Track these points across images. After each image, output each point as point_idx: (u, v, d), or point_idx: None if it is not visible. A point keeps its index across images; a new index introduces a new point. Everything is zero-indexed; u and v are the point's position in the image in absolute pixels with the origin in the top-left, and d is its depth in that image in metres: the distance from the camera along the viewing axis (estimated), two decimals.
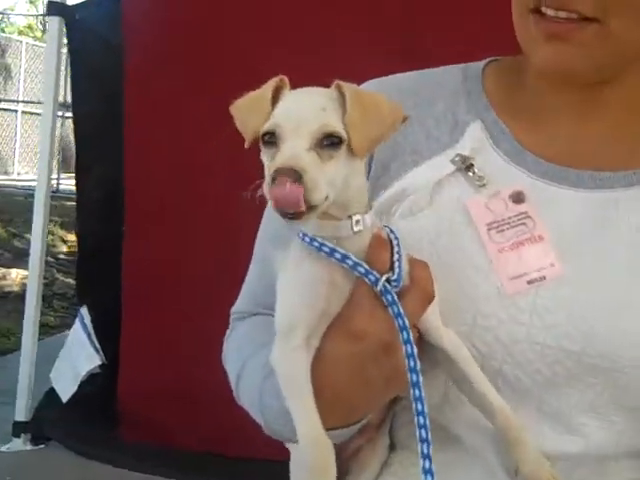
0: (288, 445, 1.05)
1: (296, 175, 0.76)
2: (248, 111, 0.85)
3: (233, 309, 1.15)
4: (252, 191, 0.81)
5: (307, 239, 0.87)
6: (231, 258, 2.02)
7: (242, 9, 2.16)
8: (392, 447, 1.02)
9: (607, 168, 0.99)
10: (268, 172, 0.79)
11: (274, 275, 0.93)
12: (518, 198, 0.97)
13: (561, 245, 0.95)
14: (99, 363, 2.66)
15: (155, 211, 2.45)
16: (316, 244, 0.86)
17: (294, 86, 0.86)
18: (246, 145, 0.84)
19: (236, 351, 1.09)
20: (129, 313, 2.57)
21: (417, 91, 1.06)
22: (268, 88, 0.84)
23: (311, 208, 0.78)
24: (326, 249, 0.85)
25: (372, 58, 1.81)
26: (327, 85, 0.84)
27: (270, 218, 1.09)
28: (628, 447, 0.96)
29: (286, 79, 0.85)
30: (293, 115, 0.81)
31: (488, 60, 1.11)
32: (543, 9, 0.93)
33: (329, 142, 0.80)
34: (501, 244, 0.96)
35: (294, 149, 0.79)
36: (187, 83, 2.26)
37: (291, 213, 0.78)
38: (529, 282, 0.94)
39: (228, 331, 1.14)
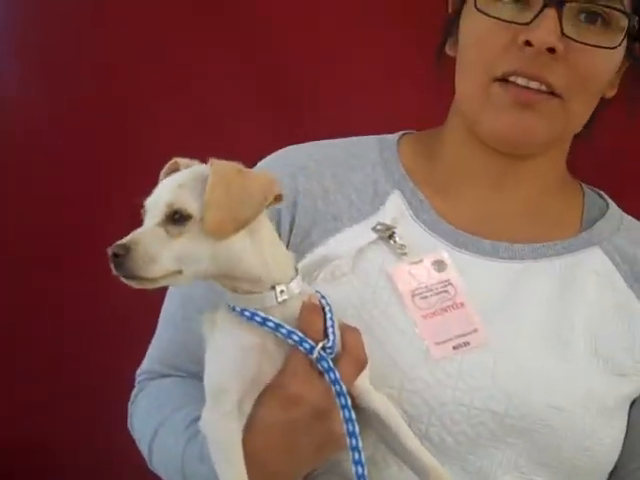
0: None
1: (123, 248, 0.79)
2: None
3: (140, 369, 1.12)
4: None
5: (237, 309, 0.86)
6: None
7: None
8: None
9: (520, 240, 1.05)
10: None
11: (190, 338, 0.91)
12: (439, 266, 1.01)
13: (480, 312, 0.99)
14: None
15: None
16: (247, 314, 0.86)
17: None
18: None
19: (147, 414, 1.05)
20: None
21: (335, 160, 1.08)
22: (161, 177, 0.87)
23: (151, 280, 0.80)
24: (258, 319, 0.85)
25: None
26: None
27: None
28: None
29: (180, 160, 0.87)
30: (155, 195, 0.84)
31: (402, 133, 1.15)
32: (512, 78, 0.97)
33: (179, 218, 0.81)
34: (425, 310, 0.98)
35: (144, 226, 0.82)
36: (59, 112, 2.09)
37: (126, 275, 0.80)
38: (454, 347, 0.97)
39: (134, 392, 1.11)
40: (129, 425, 1.09)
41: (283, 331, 0.85)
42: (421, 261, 1.01)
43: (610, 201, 1.13)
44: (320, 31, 1.62)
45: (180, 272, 0.81)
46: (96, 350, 1.69)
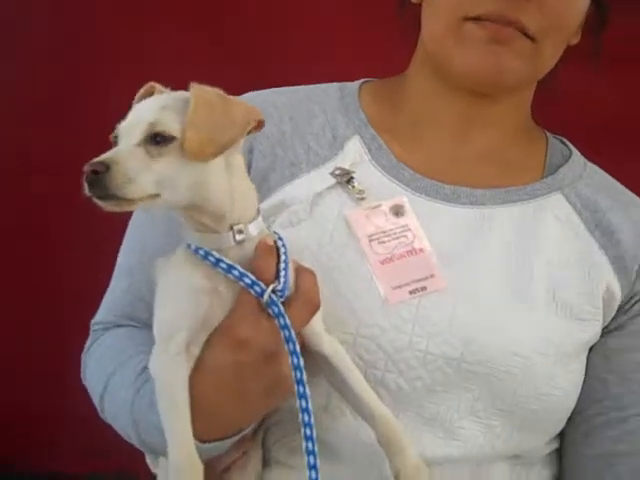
0: (153, 466, 1.02)
1: (103, 167, 0.75)
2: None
3: (94, 320, 1.10)
4: None
5: (193, 247, 0.85)
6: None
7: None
8: (266, 463, 1.00)
9: (481, 185, 1.04)
10: None
11: (144, 286, 0.90)
12: (398, 211, 1.00)
13: (440, 257, 0.98)
14: None
15: None
16: (201, 252, 0.84)
17: None
18: None
19: (99, 364, 1.04)
20: None
21: (294, 106, 1.07)
22: (136, 100, 0.84)
23: (129, 200, 0.77)
24: (212, 259, 0.84)
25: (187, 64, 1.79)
26: None
27: (140, 228, 1.06)
28: (502, 451, 1.00)
29: (157, 85, 0.85)
30: (133, 116, 0.81)
31: (363, 81, 1.13)
32: (484, 19, 0.96)
33: (161, 139, 0.78)
34: (383, 255, 0.97)
35: (121, 145, 0.79)
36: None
37: (100, 195, 0.76)
38: (411, 292, 0.96)
39: (88, 343, 1.09)
40: (82, 376, 1.08)
41: (235, 273, 0.84)
42: (379, 206, 1.00)
43: (573, 148, 1.12)
44: None
45: (158, 196, 0.78)
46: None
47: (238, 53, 1.75)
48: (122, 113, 0.83)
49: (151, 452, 0.97)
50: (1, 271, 1.94)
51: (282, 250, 0.87)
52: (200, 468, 0.82)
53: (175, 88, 0.85)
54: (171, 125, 0.78)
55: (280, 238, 0.89)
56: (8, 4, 1.79)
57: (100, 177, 0.75)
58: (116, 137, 0.81)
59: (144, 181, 0.77)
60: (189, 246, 0.85)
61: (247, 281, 0.84)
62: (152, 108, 0.80)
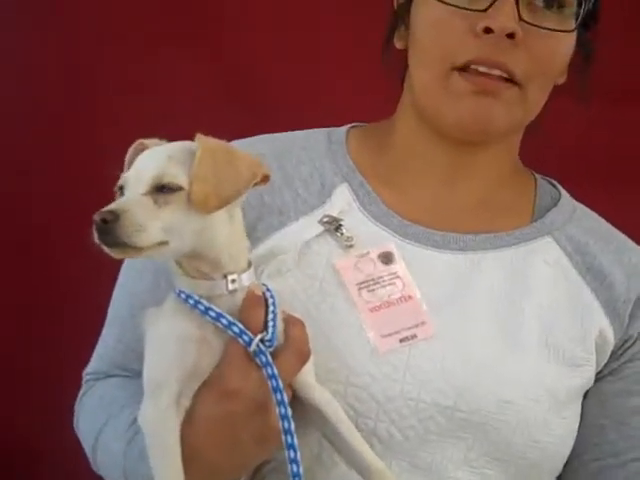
0: None
1: (112, 215, 0.77)
2: None
3: (87, 370, 1.10)
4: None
5: (183, 295, 0.85)
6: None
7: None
8: None
9: (470, 231, 1.04)
10: None
11: (135, 337, 0.90)
12: (387, 259, 1.00)
13: (429, 304, 0.98)
14: None
15: None
16: (191, 301, 0.85)
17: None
18: None
19: (91, 414, 1.04)
20: None
21: (281, 154, 1.07)
22: (127, 158, 0.86)
23: (138, 249, 0.78)
24: (201, 307, 0.84)
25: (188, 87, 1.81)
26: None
27: (129, 276, 1.07)
28: None
29: (146, 141, 0.86)
30: (138, 166, 0.82)
31: (350, 125, 1.13)
32: (473, 66, 0.96)
33: (167, 189, 0.80)
34: (372, 303, 0.97)
35: (129, 194, 0.80)
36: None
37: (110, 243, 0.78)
38: (401, 340, 0.95)
39: (81, 393, 1.09)
40: (75, 426, 1.07)
41: (224, 321, 0.84)
42: (368, 253, 0.99)
43: (562, 190, 1.12)
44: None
45: (166, 243, 0.80)
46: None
47: (238, 85, 1.77)
48: (123, 148, 0.86)
49: None
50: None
51: (270, 300, 0.87)
52: None
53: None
54: (178, 176, 0.80)
55: (268, 289, 0.89)
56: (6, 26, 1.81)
57: (110, 226, 0.76)
58: (121, 187, 0.82)
59: (153, 229, 0.78)
60: (179, 295, 0.86)
61: (235, 330, 0.84)
62: (158, 158, 0.82)
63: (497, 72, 0.97)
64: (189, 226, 0.81)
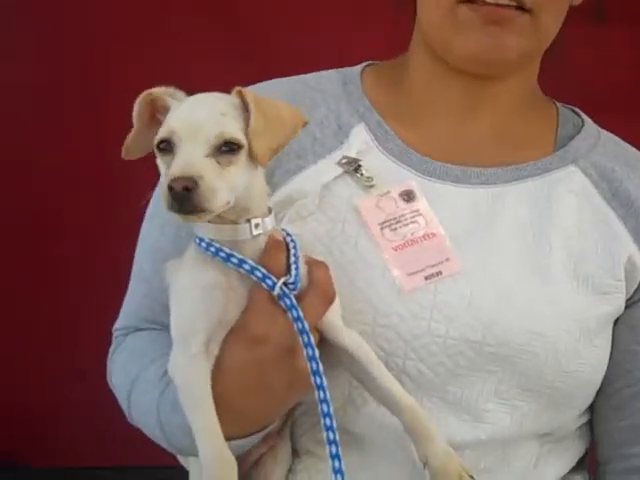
0: (184, 462, 1.03)
1: (192, 182, 0.76)
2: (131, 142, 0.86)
3: (115, 326, 1.11)
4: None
5: (204, 244, 0.85)
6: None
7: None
8: (295, 454, 1.01)
9: (491, 164, 1.02)
10: (165, 180, 0.78)
11: (161, 290, 0.90)
12: (408, 196, 0.99)
13: (453, 240, 0.97)
14: None
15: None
16: (212, 249, 0.84)
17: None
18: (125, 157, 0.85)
19: (124, 368, 1.05)
20: None
21: (296, 97, 1.05)
22: (135, 107, 0.85)
23: (211, 212, 0.78)
24: (222, 254, 0.84)
25: (202, 58, 1.81)
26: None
27: (151, 231, 1.07)
28: (530, 430, 0.99)
29: (156, 90, 0.85)
30: (189, 120, 0.80)
31: (364, 64, 1.11)
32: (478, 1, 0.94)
33: (228, 148, 0.79)
34: (395, 242, 0.96)
35: (191, 156, 0.78)
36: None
37: (188, 211, 0.77)
38: (426, 278, 0.95)
39: (111, 349, 1.10)
40: (109, 381, 1.08)
41: (246, 267, 0.84)
42: (389, 192, 0.98)
43: (586, 117, 1.10)
44: None
45: (229, 202, 0.80)
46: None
47: (249, 46, 1.76)
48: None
49: (179, 453, 0.98)
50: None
51: (291, 244, 0.87)
52: (233, 461, 0.82)
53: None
54: (237, 134, 0.80)
55: (289, 234, 0.89)
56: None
57: (190, 194, 0.76)
58: (166, 141, 0.80)
59: (223, 192, 0.78)
60: (199, 244, 0.85)
61: (258, 274, 0.84)
62: (212, 115, 0.80)
63: (505, 1, 0.94)
64: (243, 181, 0.81)
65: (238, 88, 0.82)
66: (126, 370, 1.03)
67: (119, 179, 1.53)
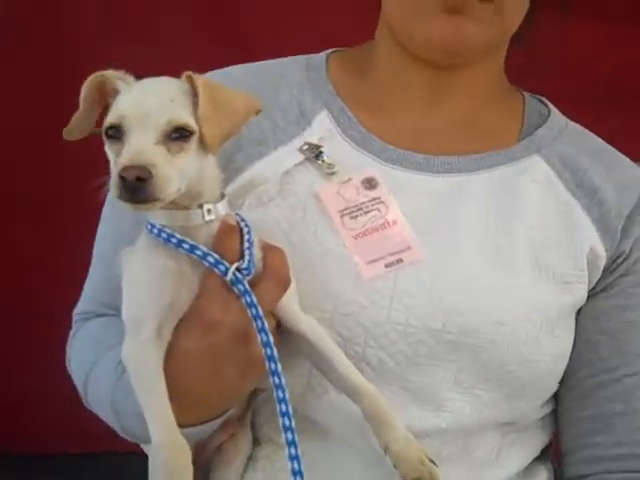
0: (145, 448, 1.03)
1: (145, 171, 0.75)
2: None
3: (76, 310, 1.11)
4: (99, 188, 0.79)
5: (155, 231, 0.85)
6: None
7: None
8: (257, 442, 1.01)
9: (456, 153, 1.02)
10: (114, 168, 0.77)
11: (119, 275, 0.90)
12: (370, 184, 0.98)
13: (415, 228, 0.96)
14: None
15: None
16: (164, 235, 0.84)
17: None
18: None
19: (81, 354, 1.05)
20: None
21: (258, 83, 1.05)
22: (83, 92, 0.83)
23: (162, 201, 0.77)
24: (174, 240, 0.83)
25: (195, 44, 1.81)
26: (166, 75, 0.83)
27: (111, 215, 1.06)
28: (491, 419, 0.99)
29: (110, 73, 0.83)
30: (139, 107, 0.79)
31: (330, 51, 1.11)
32: None
33: (178, 135, 0.78)
34: (355, 230, 0.96)
35: (141, 143, 0.77)
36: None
37: (140, 200, 0.76)
38: (387, 265, 0.94)
39: (71, 333, 1.10)
40: (67, 367, 1.08)
41: (198, 252, 0.83)
42: (350, 180, 0.98)
43: (552, 107, 1.09)
44: None
45: (179, 190, 0.79)
46: None
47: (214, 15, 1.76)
48: None
49: (133, 439, 0.97)
50: None
51: (245, 230, 0.87)
52: (185, 445, 0.82)
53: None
54: (188, 119, 0.79)
55: (243, 219, 0.88)
56: None
57: (143, 183, 0.75)
58: (114, 127, 0.79)
59: (175, 180, 0.77)
60: (151, 230, 0.85)
61: (211, 260, 0.83)
62: (161, 102, 0.79)
63: None
64: (194, 168, 0.80)
65: (188, 73, 0.81)
66: (84, 356, 1.03)
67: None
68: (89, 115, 0.84)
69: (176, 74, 0.83)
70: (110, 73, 0.83)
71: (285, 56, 1.11)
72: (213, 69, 1.06)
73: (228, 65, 1.09)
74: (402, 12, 0.98)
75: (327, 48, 1.11)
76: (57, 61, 1.86)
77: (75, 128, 0.85)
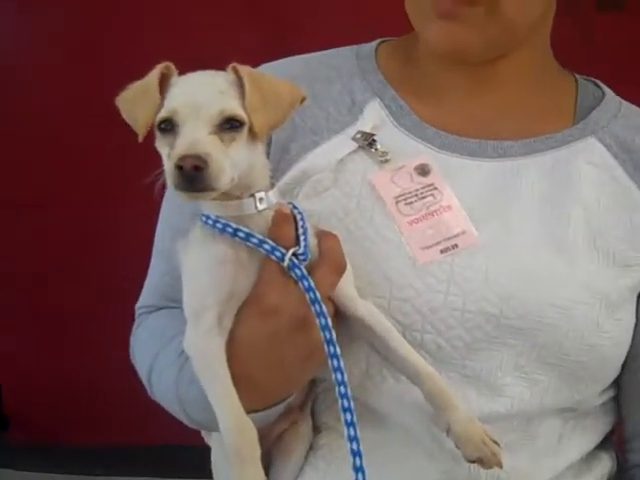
0: (207, 438, 1.04)
1: (201, 160, 0.76)
2: (135, 102, 0.84)
3: (138, 304, 1.13)
4: (153, 180, 0.81)
5: (210, 221, 0.86)
6: (112, 251, 2.03)
7: None
8: (317, 430, 1.01)
9: (508, 137, 1.01)
10: (169, 160, 0.79)
11: (179, 268, 0.91)
12: (423, 170, 0.99)
13: (470, 213, 0.96)
14: None
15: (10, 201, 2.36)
16: (219, 225, 0.85)
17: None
18: (140, 139, 0.83)
19: (145, 346, 1.07)
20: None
21: (310, 75, 1.06)
22: (154, 75, 0.83)
23: (217, 190, 0.79)
24: (229, 229, 0.85)
25: (244, 39, 1.83)
26: (217, 68, 0.85)
27: (170, 210, 1.08)
28: (552, 404, 0.98)
29: (172, 65, 0.85)
30: (190, 100, 0.81)
31: (379, 40, 1.11)
32: None
33: (229, 125, 0.80)
34: (410, 216, 0.96)
35: (195, 134, 0.79)
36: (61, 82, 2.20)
37: (197, 189, 0.77)
38: (442, 251, 0.95)
39: (134, 326, 1.12)
40: (131, 358, 1.10)
41: (254, 240, 0.85)
42: (403, 167, 0.98)
43: (606, 88, 1.08)
44: None
45: (234, 180, 0.80)
46: None
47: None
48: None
49: (199, 428, 0.99)
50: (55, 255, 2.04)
51: (299, 217, 0.88)
52: (252, 428, 0.83)
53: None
54: (238, 110, 0.80)
55: (295, 207, 0.89)
56: None
57: (200, 172, 0.76)
58: (167, 120, 0.80)
59: (229, 169, 0.79)
60: (206, 221, 0.86)
61: (267, 247, 0.85)
62: (212, 93, 0.81)
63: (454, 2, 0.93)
64: (246, 157, 0.82)
65: (233, 64, 0.83)
66: (147, 348, 1.05)
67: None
68: (153, 106, 0.83)
69: (220, 66, 0.84)
70: (173, 67, 0.84)
71: (325, 44, 1.12)
72: (256, 59, 1.07)
73: (270, 54, 1.11)
74: (412, 15, 0.99)
75: (367, 37, 1.11)
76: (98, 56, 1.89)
77: (141, 121, 0.83)
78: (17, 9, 2.10)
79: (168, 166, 0.79)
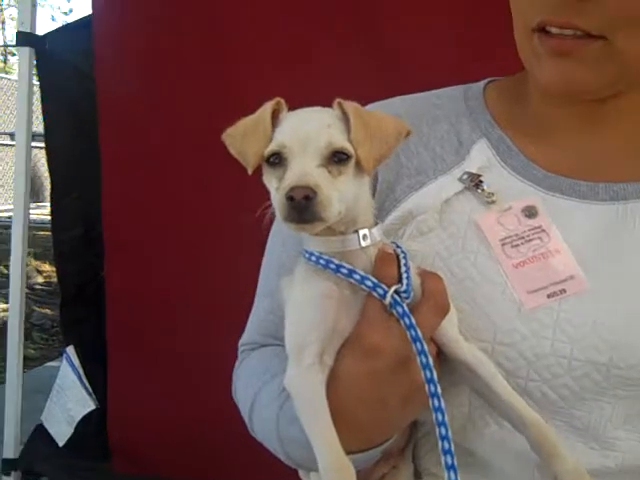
0: (305, 478, 1.03)
1: (310, 191, 0.77)
2: (246, 137, 0.85)
3: (241, 341, 1.14)
4: (260, 214, 0.82)
5: (314, 258, 0.86)
6: (224, 287, 2.04)
7: (214, 31, 2.18)
8: (418, 476, 1.00)
9: (620, 179, 0.98)
10: (278, 192, 0.80)
11: (282, 305, 0.91)
12: (530, 212, 0.96)
13: (578, 258, 0.93)
14: (93, 407, 2.63)
15: (135, 241, 2.41)
16: (322, 261, 0.86)
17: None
18: (249, 171, 0.84)
19: (247, 383, 1.07)
20: (115, 345, 2.54)
21: (417, 114, 1.06)
22: (266, 111, 0.85)
23: (325, 222, 0.80)
24: (332, 266, 0.85)
25: (347, 75, 1.84)
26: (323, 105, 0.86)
27: (275, 247, 1.08)
28: None
29: (283, 101, 0.86)
30: (298, 134, 0.82)
31: (488, 80, 1.11)
32: (547, 28, 0.92)
33: (337, 159, 0.81)
34: (516, 259, 0.94)
35: (304, 167, 0.80)
36: (163, 110, 2.24)
37: (306, 220, 0.78)
38: (549, 296, 0.92)
39: (237, 363, 1.13)
40: (233, 392, 1.11)
41: (357, 277, 0.84)
42: (510, 208, 0.96)
43: None
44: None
45: (341, 212, 0.81)
46: None
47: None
48: None
49: (297, 467, 0.98)
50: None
51: (402, 256, 0.87)
52: (351, 467, 0.82)
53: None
54: (345, 143, 0.82)
55: (398, 246, 0.89)
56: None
57: (309, 203, 0.77)
58: (276, 154, 0.82)
59: (336, 202, 0.80)
60: (310, 257, 0.87)
61: (369, 284, 0.84)
62: (319, 127, 0.82)
63: (570, 32, 0.90)
64: (353, 192, 0.82)
65: (338, 100, 0.84)
66: (249, 385, 1.05)
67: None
68: (265, 139, 0.84)
69: (327, 99, 0.85)
70: (283, 102, 0.85)
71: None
72: (362, 90, 1.06)
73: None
74: (523, 52, 0.97)
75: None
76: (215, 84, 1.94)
77: (252, 154, 0.84)
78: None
79: (277, 198, 0.80)
